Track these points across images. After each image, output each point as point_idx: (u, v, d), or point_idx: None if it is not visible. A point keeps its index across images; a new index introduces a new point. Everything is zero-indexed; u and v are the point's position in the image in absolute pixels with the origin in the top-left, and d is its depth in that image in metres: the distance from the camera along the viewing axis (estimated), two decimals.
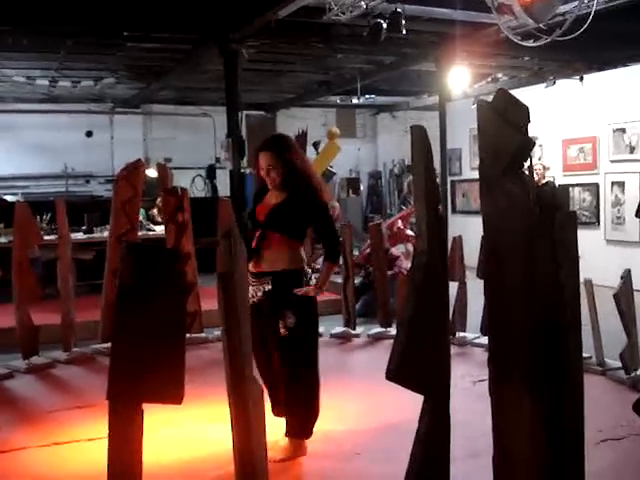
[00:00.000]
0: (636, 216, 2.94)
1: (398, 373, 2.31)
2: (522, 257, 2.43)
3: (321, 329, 7.82)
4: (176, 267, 2.43)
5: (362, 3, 7.95)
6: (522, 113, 2.46)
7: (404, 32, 8.22)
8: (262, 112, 16.91)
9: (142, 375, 2.32)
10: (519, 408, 2.45)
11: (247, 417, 2.48)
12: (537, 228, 2.41)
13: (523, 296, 2.43)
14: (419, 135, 2.44)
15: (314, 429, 4.56)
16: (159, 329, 2.31)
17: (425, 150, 2.44)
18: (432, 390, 2.41)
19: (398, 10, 8.11)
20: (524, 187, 2.43)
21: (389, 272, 8.58)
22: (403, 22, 8.13)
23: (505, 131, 2.43)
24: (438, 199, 2.53)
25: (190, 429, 5.03)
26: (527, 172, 2.51)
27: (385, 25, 8.17)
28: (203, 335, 7.62)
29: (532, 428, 2.44)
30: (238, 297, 2.49)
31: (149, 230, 10.63)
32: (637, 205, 2.92)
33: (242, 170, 10.18)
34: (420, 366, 2.37)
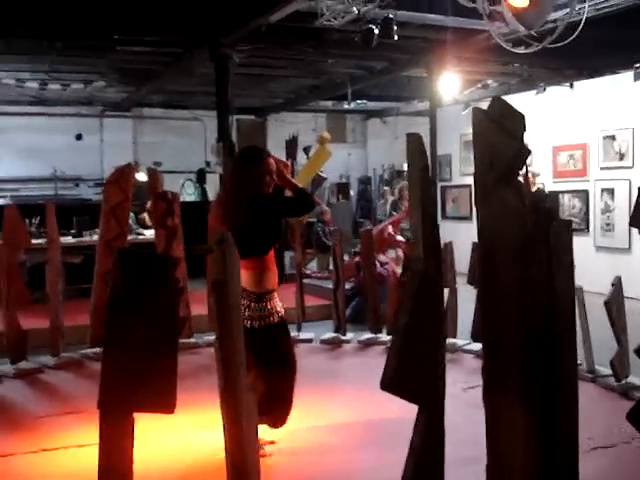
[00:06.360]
0: (630, 225, 2.92)
1: (393, 383, 2.29)
2: (517, 265, 2.42)
3: (311, 335, 7.88)
4: (168, 274, 2.40)
5: (354, 9, 7.94)
6: (517, 121, 2.45)
7: (396, 38, 8.22)
8: (253, 116, 16.87)
9: (134, 384, 2.29)
10: (513, 417, 2.44)
11: (240, 426, 2.46)
12: (532, 236, 2.40)
13: (517, 304, 2.42)
14: (415, 143, 2.43)
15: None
16: (151, 337, 2.28)
17: (421, 158, 2.43)
18: (427, 400, 2.40)
19: (390, 16, 8.10)
20: (519, 195, 2.42)
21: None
22: (395, 28, 8.12)
23: (501, 139, 2.43)
24: (434, 207, 2.52)
25: (181, 436, 4.99)
26: (522, 180, 2.50)
27: (377, 31, 8.16)
28: (193, 340, 7.58)
29: (526, 437, 2.43)
30: (231, 305, 2.46)
31: (139, 234, 10.59)
32: (632, 213, 2.90)
33: None
34: (415, 376, 2.35)
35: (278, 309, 4.52)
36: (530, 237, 2.38)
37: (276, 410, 4.48)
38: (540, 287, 2.39)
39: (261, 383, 4.36)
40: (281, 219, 4.79)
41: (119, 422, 2.34)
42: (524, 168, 2.46)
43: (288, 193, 4.70)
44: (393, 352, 2.30)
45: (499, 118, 2.42)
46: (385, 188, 16.66)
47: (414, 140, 2.43)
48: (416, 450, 2.36)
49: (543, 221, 2.38)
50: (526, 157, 2.48)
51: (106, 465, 2.33)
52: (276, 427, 4.55)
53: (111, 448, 2.34)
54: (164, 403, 2.30)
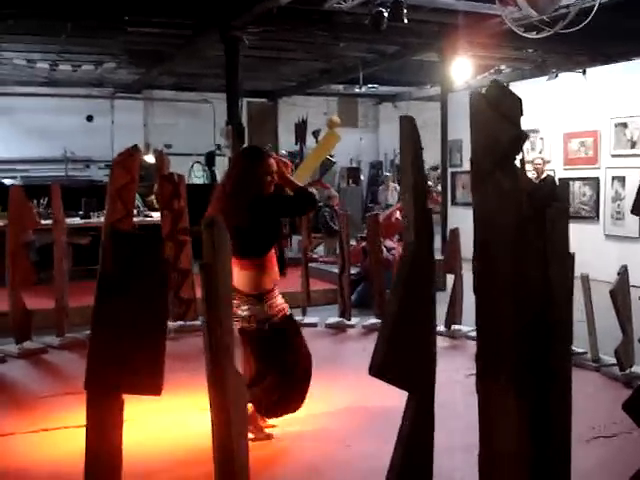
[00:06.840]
0: (632, 212, 2.88)
1: (382, 368, 2.27)
2: (512, 252, 2.39)
3: (316, 319, 7.87)
4: (159, 255, 2.38)
5: None
6: (515, 105, 2.41)
7: (405, 21, 8.17)
8: (263, 99, 16.84)
9: (121, 365, 2.28)
10: (505, 405, 2.41)
11: (227, 412, 2.45)
12: (528, 223, 2.37)
13: (512, 292, 2.39)
14: (408, 126, 2.40)
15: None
16: (140, 319, 2.26)
17: (414, 142, 2.39)
18: (416, 386, 2.38)
19: None
20: (516, 181, 2.39)
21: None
22: (405, 11, 8.07)
23: (498, 124, 2.39)
24: (426, 191, 2.49)
25: (181, 417, 4.99)
26: (520, 166, 2.47)
27: (386, 14, 8.11)
28: (198, 322, 7.57)
29: (518, 425, 2.41)
30: (220, 289, 2.44)
31: (146, 216, 10.58)
32: (634, 201, 2.86)
33: None
34: (404, 362, 2.33)
35: (282, 307, 4.48)
36: (525, 224, 2.35)
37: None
38: (535, 275, 2.36)
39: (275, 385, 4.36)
40: (281, 220, 4.78)
41: (106, 404, 2.33)
42: (521, 153, 2.42)
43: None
44: (382, 337, 2.28)
45: (497, 102, 2.38)
46: (386, 174, 16.62)
47: (407, 123, 2.39)
48: (405, 437, 2.34)
49: (539, 208, 2.34)
50: (523, 142, 2.43)
51: (93, 447, 2.32)
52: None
53: (98, 430, 2.34)
54: (151, 385, 2.28)
